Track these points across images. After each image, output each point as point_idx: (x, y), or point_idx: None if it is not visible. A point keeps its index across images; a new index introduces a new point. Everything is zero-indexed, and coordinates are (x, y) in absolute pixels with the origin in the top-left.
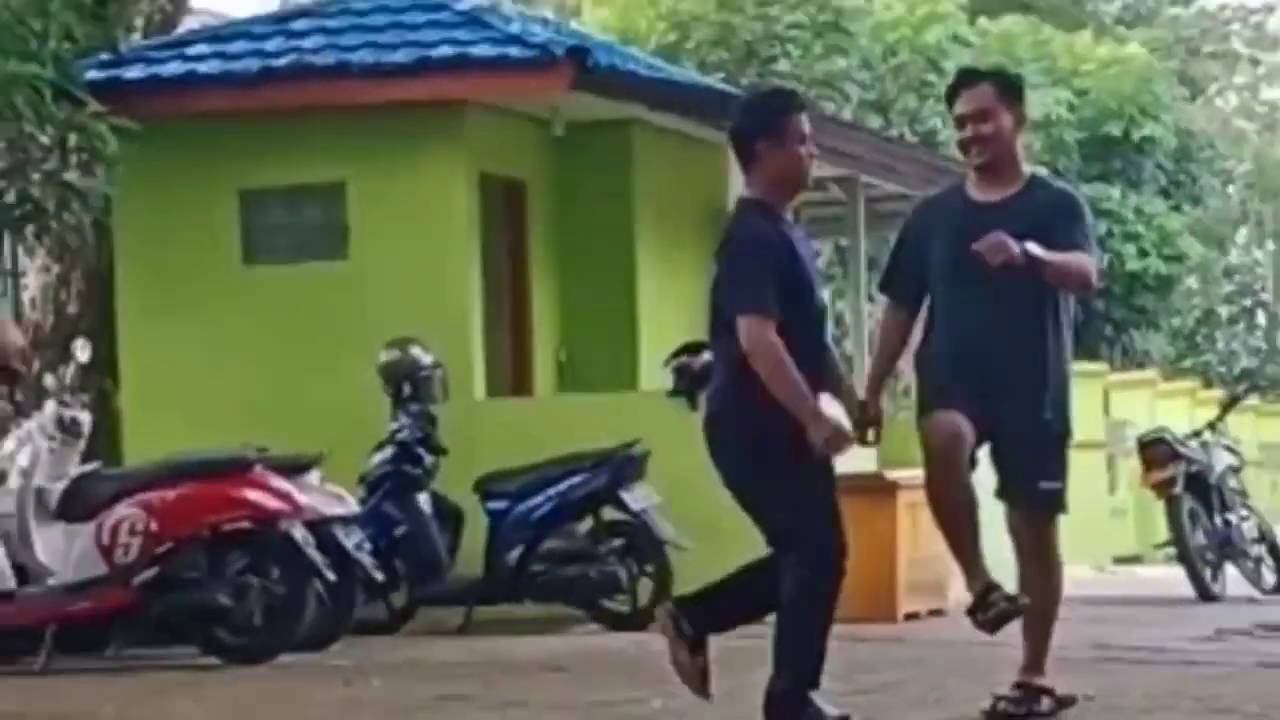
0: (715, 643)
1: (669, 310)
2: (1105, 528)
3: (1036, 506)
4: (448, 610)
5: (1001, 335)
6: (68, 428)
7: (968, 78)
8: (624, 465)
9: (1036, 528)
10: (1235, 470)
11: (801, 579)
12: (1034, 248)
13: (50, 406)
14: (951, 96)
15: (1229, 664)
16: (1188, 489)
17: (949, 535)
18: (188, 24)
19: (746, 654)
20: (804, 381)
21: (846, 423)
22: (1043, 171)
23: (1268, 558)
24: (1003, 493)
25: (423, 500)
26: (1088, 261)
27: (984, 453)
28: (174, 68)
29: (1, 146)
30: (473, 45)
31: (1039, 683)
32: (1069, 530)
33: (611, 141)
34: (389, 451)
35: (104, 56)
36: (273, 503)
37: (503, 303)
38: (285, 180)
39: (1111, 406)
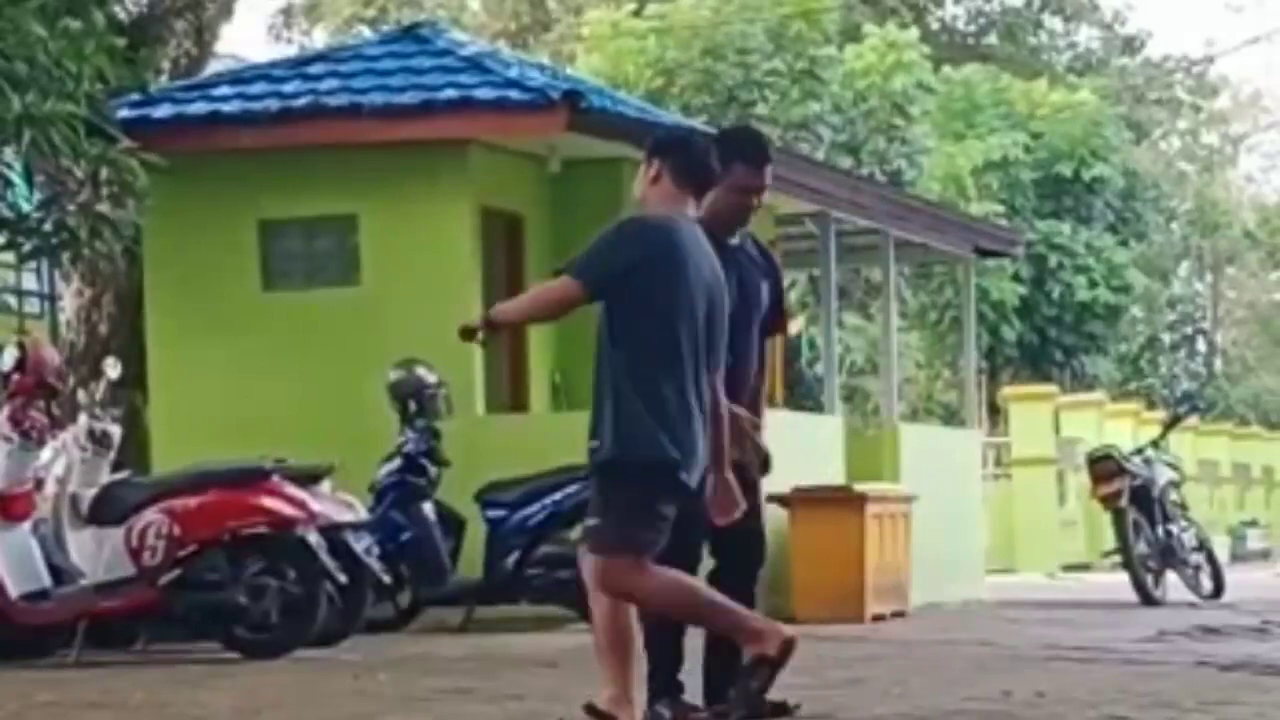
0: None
1: None
2: (1056, 537)
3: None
4: (450, 610)
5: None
6: (99, 439)
7: None
8: None
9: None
10: (1176, 485)
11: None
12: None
13: (83, 420)
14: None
15: (1170, 663)
16: (1132, 502)
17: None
18: (212, 67)
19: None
20: None
21: None
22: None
23: (1205, 565)
24: None
25: (427, 508)
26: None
27: None
28: (199, 107)
29: (40, 179)
30: (475, 89)
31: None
32: (1023, 538)
33: (603, 178)
34: (396, 463)
35: (134, 97)
36: (289, 510)
37: None
38: (302, 212)
39: (1062, 426)
